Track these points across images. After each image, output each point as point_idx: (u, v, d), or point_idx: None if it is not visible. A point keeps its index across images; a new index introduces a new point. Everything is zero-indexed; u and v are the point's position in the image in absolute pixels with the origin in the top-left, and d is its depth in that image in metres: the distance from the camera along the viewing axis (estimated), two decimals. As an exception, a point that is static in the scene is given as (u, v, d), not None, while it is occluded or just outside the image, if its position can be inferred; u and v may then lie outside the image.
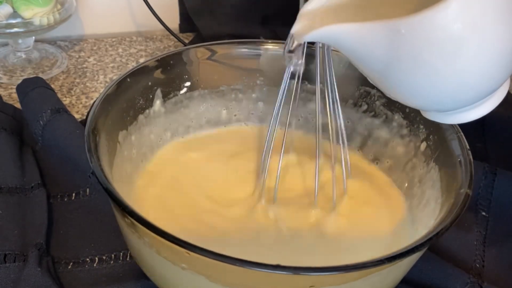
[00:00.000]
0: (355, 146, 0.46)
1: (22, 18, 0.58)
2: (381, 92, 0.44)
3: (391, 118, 0.44)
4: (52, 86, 0.56)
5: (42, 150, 0.49)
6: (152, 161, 0.43)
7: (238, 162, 0.43)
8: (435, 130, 0.40)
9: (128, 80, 0.40)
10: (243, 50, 0.47)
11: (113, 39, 0.70)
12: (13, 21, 0.58)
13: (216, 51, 0.46)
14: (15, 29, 0.58)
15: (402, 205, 0.41)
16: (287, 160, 0.42)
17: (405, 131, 0.43)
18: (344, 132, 0.40)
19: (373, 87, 0.45)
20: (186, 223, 0.37)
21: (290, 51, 0.35)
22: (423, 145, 0.41)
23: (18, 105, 0.53)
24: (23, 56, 0.64)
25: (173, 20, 0.71)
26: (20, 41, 0.63)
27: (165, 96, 0.44)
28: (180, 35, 0.71)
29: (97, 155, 0.33)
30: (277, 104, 0.38)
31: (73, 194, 0.46)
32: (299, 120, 0.47)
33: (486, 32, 0.29)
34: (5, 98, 0.57)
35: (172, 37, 0.69)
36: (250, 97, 0.48)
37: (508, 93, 0.66)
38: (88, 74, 0.63)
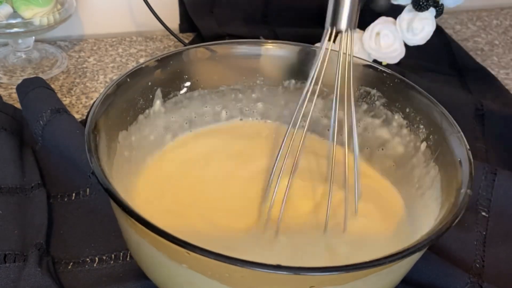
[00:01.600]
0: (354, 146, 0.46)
1: (22, 18, 0.58)
2: (381, 92, 0.44)
3: (391, 118, 0.44)
4: (52, 86, 0.56)
5: (42, 150, 0.49)
6: (152, 161, 0.43)
7: (238, 161, 0.43)
8: (435, 130, 0.40)
9: (128, 80, 0.40)
10: (243, 50, 0.47)
11: (113, 39, 0.70)
12: (13, 21, 0.58)
13: (216, 51, 0.46)
14: (15, 29, 0.58)
15: (401, 206, 0.41)
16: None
17: (405, 131, 0.43)
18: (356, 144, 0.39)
19: (373, 87, 0.45)
20: (186, 223, 0.37)
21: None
22: (423, 145, 0.41)
23: (18, 105, 0.53)
24: (23, 56, 0.64)
25: (173, 20, 0.71)
26: (20, 41, 0.63)
27: (165, 96, 0.44)
28: (180, 35, 0.71)
29: (97, 155, 0.33)
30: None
31: (73, 194, 0.46)
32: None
33: None
34: (5, 98, 0.57)
35: (172, 37, 0.68)
36: (250, 97, 0.48)
37: (508, 93, 0.66)
38: (88, 74, 0.63)
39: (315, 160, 0.43)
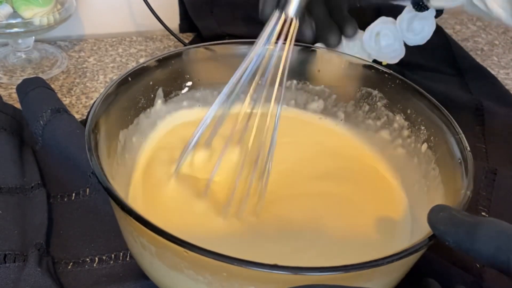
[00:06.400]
0: (354, 146, 0.46)
1: (22, 18, 0.58)
2: (383, 93, 0.44)
3: (392, 119, 0.44)
4: (52, 86, 0.56)
5: (42, 150, 0.49)
6: (151, 161, 0.43)
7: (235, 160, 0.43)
8: (436, 131, 0.40)
9: (129, 79, 0.40)
10: (243, 50, 0.47)
11: (113, 39, 0.70)
12: (13, 21, 0.58)
13: (216, 51, 0.46)
14: (15, 29, 0.58)
15: (403, 206, 0.41)
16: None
17: (406, 132, 0.43)
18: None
19: (374, 87, 0.45)
20: (183, 222, 0.37)
21: None
22: (424, 146, 0.41)
23: (18, 105, 0.53)
24: (23, 56, 0.64)
25: (173, 20, 0.70)
26: (20, 41, 0.63)
27: (166, 96, 0.44)
28: (180, 35, 0.71)
29: (97, 154, 0.33)
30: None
31: (73, 194, 0.46)
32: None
33: None
34: (5, 98, 0.57)
35: (172, 37, 0.68)
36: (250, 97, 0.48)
37: (508, 92, 0.66)
38: (88, 74, 0.63)
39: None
